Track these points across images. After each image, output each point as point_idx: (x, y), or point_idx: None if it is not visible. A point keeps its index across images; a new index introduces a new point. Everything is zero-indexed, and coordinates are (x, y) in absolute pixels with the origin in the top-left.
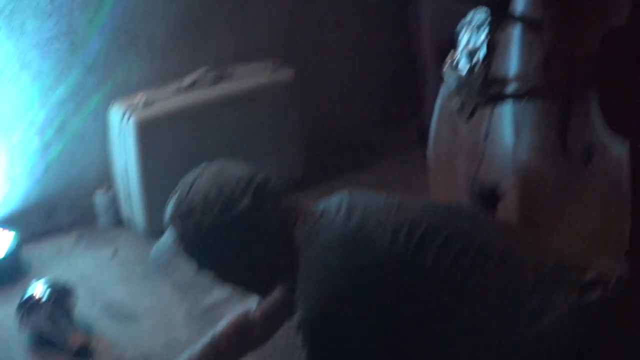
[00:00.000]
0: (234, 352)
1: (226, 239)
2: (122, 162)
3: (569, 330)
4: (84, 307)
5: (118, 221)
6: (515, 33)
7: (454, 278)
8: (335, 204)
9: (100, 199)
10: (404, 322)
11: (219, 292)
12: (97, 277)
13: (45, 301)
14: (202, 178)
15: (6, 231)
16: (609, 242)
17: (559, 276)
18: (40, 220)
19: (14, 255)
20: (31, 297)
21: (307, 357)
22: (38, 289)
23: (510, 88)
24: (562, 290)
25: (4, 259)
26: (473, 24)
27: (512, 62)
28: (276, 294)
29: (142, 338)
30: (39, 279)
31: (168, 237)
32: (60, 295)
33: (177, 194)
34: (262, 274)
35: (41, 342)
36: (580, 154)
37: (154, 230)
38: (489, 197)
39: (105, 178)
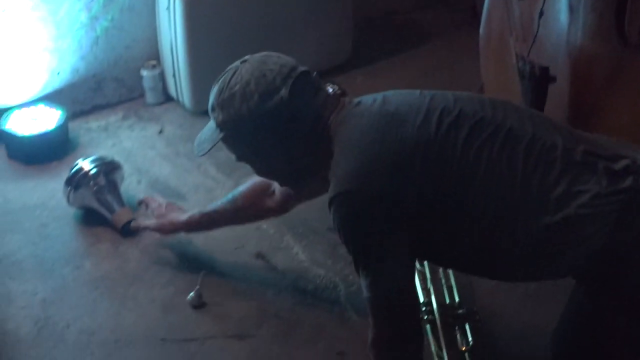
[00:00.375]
0: (248, 214)
1: (264, 128)
2: (170, 38)
3: (598, 215)
4: (129, 184)
5: (165, 98)
6: None
7: (483, 160)
8: (371, 97)
9: (147, 75)
10: (429, 203)
11: None
12: (143, 154)
13: (93, 176)
14: (243, 67)
15: (54, 108)
16: None
17: (589, 162)
18: (88, 97)
19: (62, 131)
20: (79, 172)
21: (338, 229)
22: (85, 164)
23: None
24: (592, 175)
25: (51, 134)
26: None
27: None
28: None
29: None
30: (86, 155)
31: (209, 126)
32: (108, 170)
33: (218, 83)
34: (298, 165)
35: (89, 216)
36: (637, 37)
37: (201, 108)
38: (540, 79)
39: (152, 54)
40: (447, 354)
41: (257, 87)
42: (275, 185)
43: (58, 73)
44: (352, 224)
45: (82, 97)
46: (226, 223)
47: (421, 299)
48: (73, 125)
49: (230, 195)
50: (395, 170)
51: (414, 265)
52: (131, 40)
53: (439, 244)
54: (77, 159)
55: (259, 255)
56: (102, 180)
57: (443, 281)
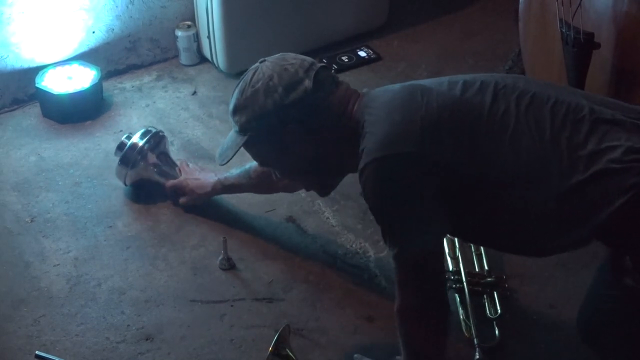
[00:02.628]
0: (261, 189)
1: (290, 121)
2: None
3: (629, 170)
4: None
5: (199, 59)
6: None
7: (510, 121)
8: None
9: (182, 35)
10: (459, 167)
11: None
12: (176, 115)
13: (150, 149)
14: (263, 65)
15: (88, 67)
16: None
17: (619, 120)
18: (122, 56)
19: (96, 90)
20: (133, 149)
21: (367, 197)
22: (136, 139)
23: None
24: (622, 132)
25: (86, 93)
26: None
27: None
28: None
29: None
30: (120, 115)
31: (230, 135)
32: (158, 141)
33: (238, 86)
34: (325, 162)
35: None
36: None
37: (234, 70)
38: (585, 45)
39: (188, 14)
40: (475, 322)
41: (280, 80)
42: None
43: (93, 32)
44: (382, 191)
45: (117, 57)
46: (243, 192)
47: (450, 268)
48: (107, 85)
49: (243, 169)
50: (424, 134)
51: (443, 235)
52: (166, 0)
53: (469, 214)
54: (112, 120)
55: (290, 219)
56: (157, 152)
57: (473, 249)
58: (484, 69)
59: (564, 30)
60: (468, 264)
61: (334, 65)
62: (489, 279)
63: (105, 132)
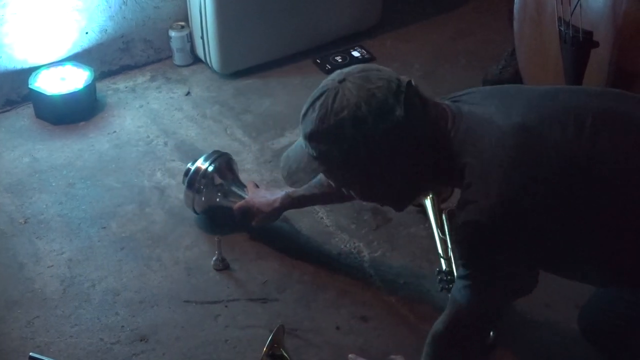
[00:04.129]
0: (334, 196)
1: (381, 153)
2: None
3: None
4: (156, 145)
5: (193, 59)
6: None
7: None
8: (471, 95)
9: (175, 36)
10: (577, 213)
11: (288, 137)
12: (170, 115)
13: (214, 172)
14: (345, 88)
15: (82, 68)
16: None
17: None
18: (116, 57)
19: (89, 91)
20: (197, 172)
21: (462, 245)
22: (200, 164)
23: None
24: None
25: (79, 94)
26: None
27: None
28: None
29: None
30: (113, 116)
31: (301, 153)
32: (224, 162)
33: (316, 109)
34: (412, 186)
35: (213, 220)
36: None
37: (228, 70)
38: (584, 43)
39: (181, 15)
40: None
41: (369, 109)
42: None
43: (86, 33)
44: (482, 251)
45: (110, 58)
46: (315, 204)
47: (443, 268)
48: (101, 86)
49: (317, 179)
50: (537, 206)
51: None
52: (160, 0)
53: (564, 255)
54: (106, 121)
55: (284, 219)
56: (223, 174)
57: None
58: (477, 68)
59: (562, 29)
60: None
61: (328, 66)
62: None
63: (99, 133)
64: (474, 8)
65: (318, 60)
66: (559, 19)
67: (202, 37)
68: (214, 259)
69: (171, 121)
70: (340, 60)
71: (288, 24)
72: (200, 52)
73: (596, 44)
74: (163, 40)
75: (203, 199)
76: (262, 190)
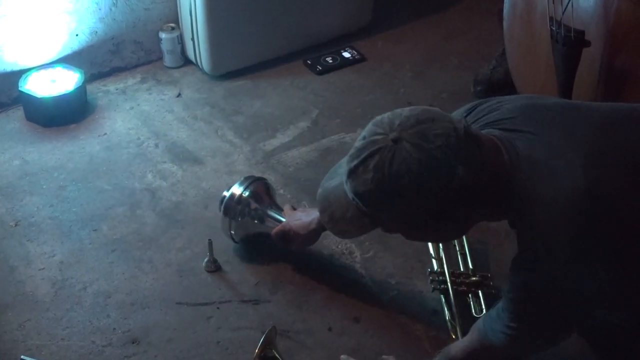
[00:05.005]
0: None
1: (442, 213)
2: (189, 0)
3: None
4: (147, 147)
5: (183, 61)
6: None
7: None
8: (522, 125)
9: (166, 38)
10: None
11: (279, 138)
12: (161, 117)
13: (250, 197)
14: (403, 150)
15: (72, 70)
16: None
17: None
18: (106, 59)
19: (80, 93)
20: (232, 198)
21: (516, 311)
22: (235, 189)
23: None
24: None
25: (70, 97)
26: None
27: None
28: None
29: (204, 179)
30: (104, 118)
31: (348, 204)
32: (259, 186)
33: (369, 169)
34: (467, 227)
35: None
36: None
37: (219, 71)
38: (575, 43)
39: (171, 16)
40: (461, 322)
41: (431, 175)
42: None
43: (77, 35)
44: (534, 294)
45: (101, 60)
46: None
47: (434, 268)
48: (91, 88)
49: None
50: (605, 262)
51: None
52: (150, 2)
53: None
54: (96, 123)
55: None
56: (259, 198)
57: (457, 248)
58: (468, 69)
59: (554, 29)
60: (452, 263)
61: (318, 67)
62: (473, 278)
63: (90, 135)
64: (465, 8)
65: (309, 61)
66: (551, 18)
67: (192, 39)
68: (205, 260)
69: (162, 123)
70: (331, 61)
71: (278, 25)
72: (190, 54)
73: (588, 43)
74: (153, 42)
75: (240, 225)
76: (298, 212)
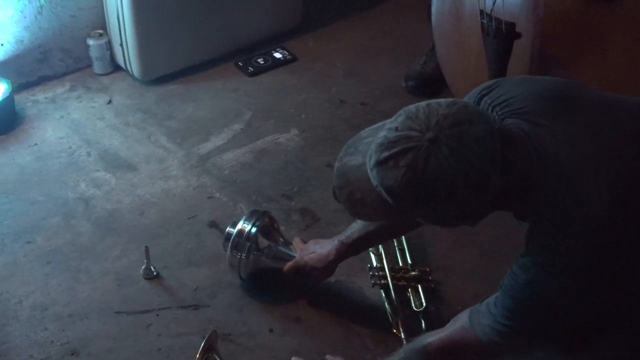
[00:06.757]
0: (395, 227)
1: (471, 209)
2: (117, 5)
3: None
4: (79, 156)
5: (113, 67)
6: None
7: None
8: (546, 116)
9: (94, 44)
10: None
11: (213, 142)
12: (92, 125)
13: (258, 232)
14: (439, 153)
15: None
16: (633, 84)
17: None
18: (33, 68)
19: (8, 104)
20: (241, 235)
21: (514, 311)
22: (241, 226)
23: None
24: None
25: None
26: None
27: None
28: None
29: (138, 186)
30: (34, 128)
31: (371, 189)
32: (266, 220)
33: (399, 166)
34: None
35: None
36: None
37: (149, 77)
38: (507, 35)
39: (99, 23)
40: (402, 317)
41: (466, 182)
42: None
43: (2, 45)
44: (536, 317)
45: (28, 69)
46: (374, 244)
47: (373, 263)
48: (19, 98)
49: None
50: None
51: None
52: (76, 9)
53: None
54: (26, 133)
55: (213, 224)
56: (267, 233)
57: (395, 243)
58: (399, 65)
59: (484, 22)
60: (391, 259)
61: (250, 68)
62: (412, 273)
63: (20, 146)
64: (393, 6)
65: (240, 63)
66: (481, 12)
67: (121, 45)
68: (143, 267)
69: (93, 131)
70: (262, 62)
71: (208, 28)
72: (120, 60)
73: (519, 35)
74: (81, 49)
75: (248, 263)
76: (310, 245)
